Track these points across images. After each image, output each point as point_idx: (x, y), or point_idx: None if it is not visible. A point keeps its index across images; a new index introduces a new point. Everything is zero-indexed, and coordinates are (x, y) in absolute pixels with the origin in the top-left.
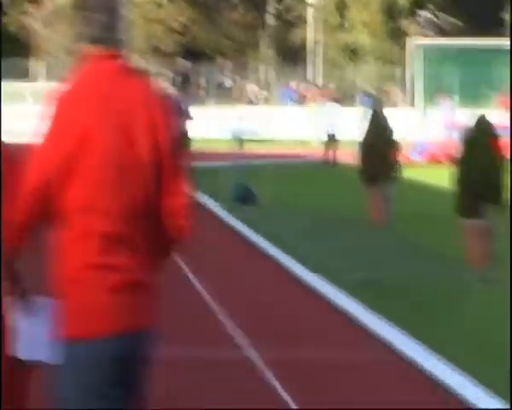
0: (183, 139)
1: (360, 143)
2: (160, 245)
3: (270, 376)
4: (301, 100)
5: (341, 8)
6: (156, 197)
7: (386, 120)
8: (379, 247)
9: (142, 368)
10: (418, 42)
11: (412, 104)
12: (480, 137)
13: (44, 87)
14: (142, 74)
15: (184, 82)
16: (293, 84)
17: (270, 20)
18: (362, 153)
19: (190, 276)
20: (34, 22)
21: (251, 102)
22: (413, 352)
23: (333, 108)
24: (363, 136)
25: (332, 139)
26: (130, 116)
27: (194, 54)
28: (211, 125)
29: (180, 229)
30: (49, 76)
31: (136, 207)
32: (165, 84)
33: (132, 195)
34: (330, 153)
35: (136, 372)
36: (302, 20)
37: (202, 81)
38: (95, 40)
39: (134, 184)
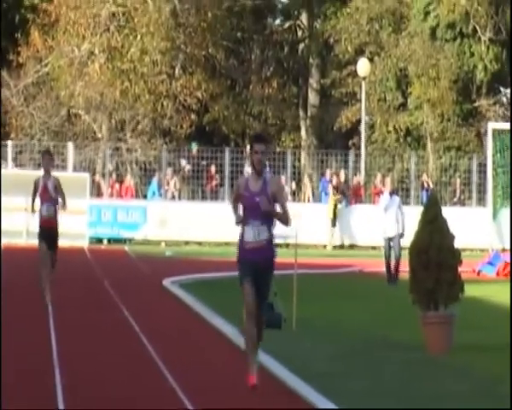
0: None
1: (410, 249)
2: None
3: None
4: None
5: (403, 83)
6: None
7: (445, 222)
8: (434, 382)
9: None
10: (497, 127)
11: (483, 203)
12: None
13: (10, 175)
14: None
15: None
16: (330, 174)
17: (313, 97)
18: (413, 263)
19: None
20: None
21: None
22: None
23: (394, 202)
24: (414, 240)
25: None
26: None
27: (212, 138)
28: (221, 227)
29: None
30: (16, 162)
31: None
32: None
33: None
34: (391, 262)
35: None
36: (352, 97)
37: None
38: None
39: None
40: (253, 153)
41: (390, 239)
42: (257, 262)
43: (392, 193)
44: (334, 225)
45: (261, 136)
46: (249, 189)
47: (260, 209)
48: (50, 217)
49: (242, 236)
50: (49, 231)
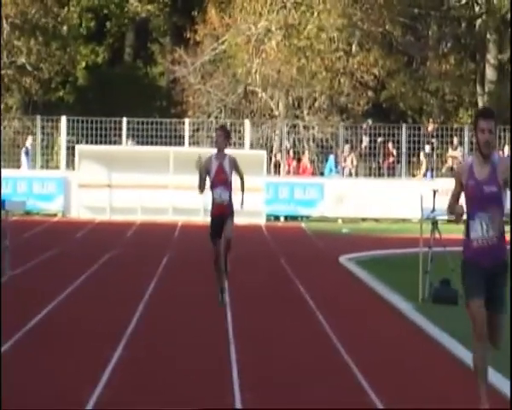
0: None
1: None
2: None
3: None
4: None
5: None
6: None
7: None
8: None
9: None
10: None
11: None
12: None
13: (188, 152)
14: None
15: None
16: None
17: (490, 72)
18: None
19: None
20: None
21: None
22: None
23: None
24: None
25: None
26: None
27: (389, 115)
28: (399, 203)
29: None
30: (193, 139)
31: None
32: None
33: None
34: None
35: None
36: None
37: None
38: None
39: None
40: (479, 131)
41: None
42: (489, 266)
43: None
44: None
45: (489, 111)
46: (474, 176)
47: (489, 200)
48: (224, 202)
49: (468, 233)
50: (221, 219)
